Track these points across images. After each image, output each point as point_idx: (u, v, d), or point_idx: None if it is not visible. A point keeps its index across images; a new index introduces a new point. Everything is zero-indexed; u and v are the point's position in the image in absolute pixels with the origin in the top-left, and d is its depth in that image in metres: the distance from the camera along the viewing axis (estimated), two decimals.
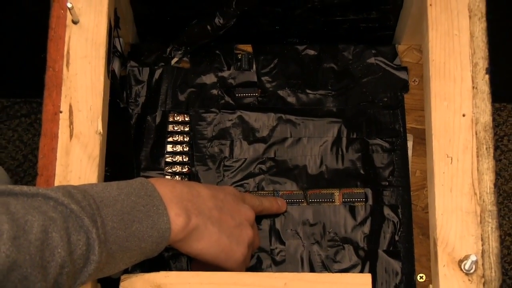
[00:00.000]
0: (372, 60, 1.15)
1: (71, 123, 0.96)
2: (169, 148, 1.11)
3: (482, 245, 0.92)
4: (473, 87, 0.98)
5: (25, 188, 0.81)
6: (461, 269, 0.91)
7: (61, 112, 0.96)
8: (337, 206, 1.08)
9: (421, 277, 1.05)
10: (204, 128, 1.12)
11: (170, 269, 1.06)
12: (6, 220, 0.75)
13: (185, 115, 1.13)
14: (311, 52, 1.16)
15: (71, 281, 0.81)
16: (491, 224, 0.93)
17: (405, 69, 1.14)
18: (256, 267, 1.06)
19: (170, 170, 1.10)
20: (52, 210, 0.80)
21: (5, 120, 1.73)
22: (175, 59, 1.15)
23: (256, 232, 1.03)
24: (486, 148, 0.96)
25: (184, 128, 1.12)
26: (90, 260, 0.81)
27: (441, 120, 0.96)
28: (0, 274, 0.74)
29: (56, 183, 0.93)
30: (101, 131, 0.96)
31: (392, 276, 1.05)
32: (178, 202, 0.91)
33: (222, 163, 1.10)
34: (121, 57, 1.11)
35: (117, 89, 1.08)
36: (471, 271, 0.91)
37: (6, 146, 1.72)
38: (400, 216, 1.07)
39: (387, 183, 1.09)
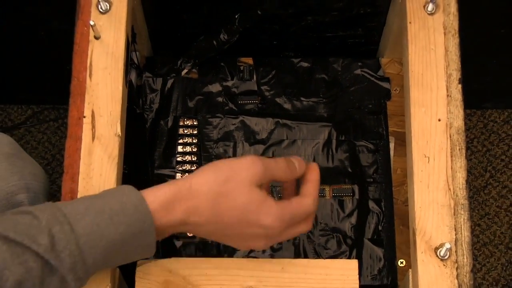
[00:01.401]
0: (358, 71, 1.14)
1: (93, 126, 0.95)
2: (179, 149, 1.11)
3: (456, 235, 0.92)
4: (448, 95, 0.97)
5: (14, 234, 0.75)
6: (437, 256, 0.91)
7: (84, 117, 0.96)
8: (328, 200, 1.08)
9: (401, 263, 1.05)
10: (211, 131, 1.12)
11: (181, 256, 1.05)
12: None
13: (194, 120, 1.12)
14: (305, 64, 1.15)
15: None
16: (463, 216, 0.93)
17: (387, 79, 1.14)
18: (256, 254, 1.05)
19: (180, 168, 1.10)
20: (32, 261, 0.74)
21: (36, 124, 1.72)
22: (185, 70, 1.15)
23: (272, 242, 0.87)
24: (459, 149, 0.95)
25: (193, 131, 1.12)
26: None
27: (419, 124, 0.96)
28: None
29: (80, 180, 0.93)
30: (120, 133, 0.95)
31: (376, 261, 1.05)
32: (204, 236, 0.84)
33: None
34: (137, 69, 1.11)
35: (133, 97, 1.08)
36: (446, 257, 0.90)
37: (36, 147, 1.72)
38: (383, 208, 1.07)
39: (371, 180, 1.09)
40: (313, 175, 0.87)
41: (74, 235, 0.76)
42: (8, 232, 0.74)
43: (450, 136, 0.96)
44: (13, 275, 0.73)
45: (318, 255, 1.06)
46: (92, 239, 0.77)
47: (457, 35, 1.00)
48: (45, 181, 1.10)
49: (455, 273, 0.90)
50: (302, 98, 1.13)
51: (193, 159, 1.10)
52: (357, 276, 0.90)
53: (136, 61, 1.09)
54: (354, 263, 0.91)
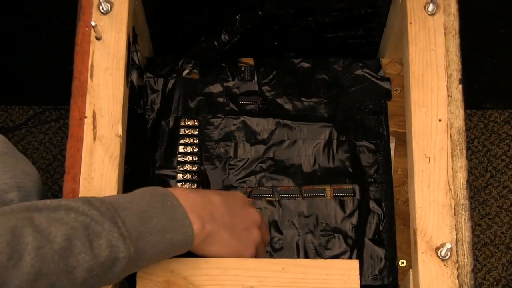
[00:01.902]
0: (359, 72, 1.14)
1: (94, 127, 0.95)
2: (180, 149, 1.11)
3: (456, 234, 0.92)
4: (448, 96, 0.97)
5: (48, 202, 0.79)
6: (438, 256, 0.91)
7: (85, 117, 0.96)
8: (329, 200, 1.08)
9: (402, 263, 1.05)
10: (212, 131, 1.12)
11: (182, 256, 1.05)
12: (30, 232, 0.73)
13: (195, 120, 1.12)
14: (306, 64, 1.15)
15: (103, 281, 0.79)
16: (464, 216, 0.93)
17: (388, 79, 1.14)
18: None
19: (181, 169, 1.10)
20: (74, 220, 0.77)
21: (37, 125, 1.72)
22: (186, 71, 1.15)
23: (266, 231, 1.01)
24: (460, 149, 0.95)
25: (194, 132, 1.12)
26: (118, 258, 0.78)
27: (420, 124, 0.96)
28: (27, 283, 0.72)
29: (81, 180, 0.93)
30: (121, 134, 0.96)
31: (376, 261, 1.05)
32: (192, 210, 0.87)
33: (228, 162, 1.10)
34: (139, 69, 1.11)
35: (135, 97, 1.08)
36: (447, 257, 0.90)
37: (38, 147, 1.72)
38: (384, 208, 1.07)
39: (372, 180, 1.09)
40: None
41: (108, 202, 0.82)
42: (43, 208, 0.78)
43: (450, 136, 0.96)
44: (60, 231, 0.75)
45: (319, 255, 1.06)
46: (122, 203, 0.83)
47: (457, 35, 1.00)
48: (38, 181, 1.10)
49: (456, 273, 0.90)
50: (303, 99, 1.13)
51: (194, 159, 1.10)
52: (358, 276, 0.90)
53: (137, 62, 1.09)
54: (355, 263, 0.91)
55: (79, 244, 0.76)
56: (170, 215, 0.85)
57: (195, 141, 1.11)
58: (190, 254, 0.90)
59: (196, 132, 1.12)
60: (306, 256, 1.06)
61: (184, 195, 0.88)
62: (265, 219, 1.07)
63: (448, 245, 0.90)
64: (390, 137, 1.11)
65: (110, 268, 0.78)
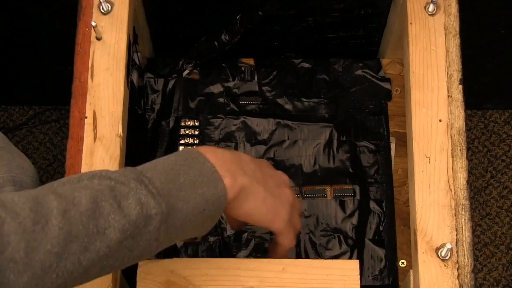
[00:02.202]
0: (359, 72, 1.14)
1: (95, 127, 0.95)
2: (181, 149, 1.11)
3: (457, 235, 0.92)
4: (449, 96, 0.97)
5: (70, 177, 0.77)
6: (438, 256, 0.91)
7: (86, 117, 0.96)
8: (329, 200, 1.08)
9: (402, 263, 1.05)
10: (212, 131, 1.12)
11: (183, 257, 1.05)
12: (54, 198, 0.72)
13: (195, 120, 1.12)
14: (306, 65, 1.15)
15: (143, 243, 0.76)
16: (464, 216, 0.93)
17: (388, 80, 1.14)
18: (257, 254, 1.05)
19: None
20: (98, 185, 0.75)
21: (38, 125, 1.73)
22: (187, 71, 1.15)
23: (295, 196, 0.95)
24: (460, 150, 0.95)
25: (194, 132, 1.12)
26: (150, 215, 0.76)
27: (420, 125, 0.96)
28: (58, 246, 0.70)
29: None
30: (121, 134, 0.96)
31: (377, 262, 1.05)
32: (222, 164, 0.84)
33: None
34: (139, 70, 1.11)
35: (135, 98, 1.08)
36: (447, 257, 0.90)
37: (38, 147, 1.72)
38: (384, 209, 1.07)
39: (372, 180, 1.09)
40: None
41: (130, 169, 0.80)
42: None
43: (451, 137, 0.96)
44: (85, 195, 0.73)
45: (319, 256, 1.06)
46: (147, 166, 0.81)
47: (457, 35, 1.00)
48: (34, 175, 1.10)
49: (456, 273, 0.90)
50: (303, 99, 1.13)
51: None
52: (358, 276, 0.90)
53: (137, 62, 1.09)
54: (355, 264, 0.91)
55: (106, 205, 0.74)
56: (199, 170, 0.82)
57: (195, 142, 1.11)
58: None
59: (197, 133, 1.12)
60: (307, 256, 1.06)
61: (211, 151, 0.85)
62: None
63: (449, 246, 0.90)
64: (391, 138, 1.11)
65: (144, 227, 0.75)
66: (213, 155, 0.84)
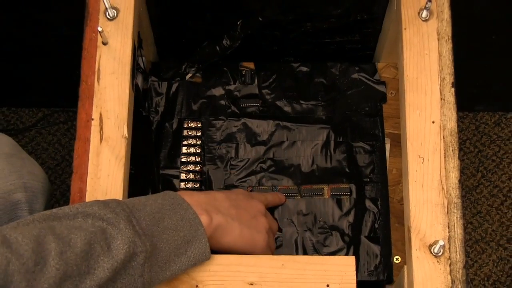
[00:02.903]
0: (355, 75, 1.14)
1: (101, 129, 0.95)
2: (184, 150, 1.11)
3: (449, 232, 0.92)
4: (441, 98, 0.97)
5: (66, 210, 0.80)
6: (431, 252, 0.91)
7: (92, 119, 0.96)
8: (326, 199, 1.08)
9: (397, 259, 1.05)
10: (214, 133, 1.12)
11: None
12: (52, 240, 0.75)
13: (198, 122, 1.12)
14: (304, 68, 1.15)
15: (127, 277, 0.80)
16: (456, 214, 0.93)
17: (383, 83, 1.14)
18: None
19: (185, 169, 1.10)
20: (91, 226, 0.79)
21: (46, 126, 1.72)
22: (189, 75, 1.15)
23: (271, 219, 1.02)
24: (452, 150, 0.95)
25: (196, 133, 1.12)
26: (136, 253, 0.80)
27: (414, 126, 0.96)
28: (54, 285, 0.74)
29: (88, 180, 0.93)
30: (127, 135, 0.95)
31: (372, 258, 1.05)
32: (198, 205, 0.89)
33: (229, 163, 1.10)
34: (144, 73, 1.11)
35: (140, 100, 1.08)
36: (440, 254, 0.90)
37: (47, 148, 1.72)
38: (379, 207, 1.07)
39: (368, 180, 1.09)
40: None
41: (123, 203, 0.83)
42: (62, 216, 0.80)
43: (443, 138, 0.96)
44: (80, 237, 0.77)
45: (317, 252, 1.05)
46: (137, 205, 0.84)
47: (450, 40, 1.00)
48: (44, 181, 1.10)
49: (448, 269, 0.90)
50: (302, 101, 1.13)
51: (197, 159, 1.10)
52: (354, 272, 0.90)
53: (142, 66, 1.09)
54: (351, 260, 0.91)
55: (98, 248, 0.78)
56: (182, 216, 0.86)
57: (198, 142, 1.11)
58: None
59: (199, 134, 1.12)
60: (305, 253, 1.06)
61: (189, 195, 0.90)
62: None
63: (441, 242, 0.90)
64: (386, 138, 1.11)
65: (129, 262, 0.79)
66: (190, 197, 0.89)
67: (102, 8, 0.99)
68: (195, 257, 0.87)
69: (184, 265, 0.87)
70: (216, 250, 0.92)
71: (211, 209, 0.91)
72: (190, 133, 1.12)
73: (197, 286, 0.89)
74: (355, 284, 0.90)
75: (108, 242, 0.78)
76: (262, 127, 1.12)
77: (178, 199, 0.88)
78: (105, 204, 0.82)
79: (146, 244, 0.81)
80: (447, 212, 0.93)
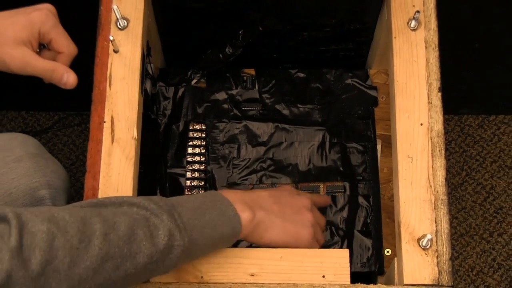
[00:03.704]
0: (349, 81, 1.14)
1: (112, 130, 0.95)
2: (189, 150, 1.11)
3: (436, 226, 0.92)
4: (429, 102, 0.97)
5: (113, 199, 0.80)
6: (419, 245, 0.90)
7: (104, 122, 0.96)
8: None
9: (387, 252, 1.04)
10: (217, 134, 1.11)
11: None
12: (98, 221, 0.74)
13: (202, 124, 1.12)
14: (301, 75, 1.15)
15: (163, 267, 0.79)
16: (443, 210, 0.93)
17: (375, 88, 1.14)
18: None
19: (190, 168, 1.09)
20: (136, 213, 0.78)
21: (62, 129, 1.72)
22: (195, 80, 1.15)
23: (318, 214, 0.98)
24: (439, 150, 0.95)
25: (201, 135, 1.11)
26: (174, 246, 0.79)
27: (404, 128, 0.96)
28: (96, 263, 0.73)
29: (101, 178, 0.93)
30: (136, 137, 0.95)
31: (365, 251, 1.05)
32: (241, 202, 0.87)
33: (231, 162, 1.10)
34: (152, 79, 1.10)
35: (148, 104, 1.08)
36: (427, 247, 0.90)
37: (62, 148, 1.72)
38: (371, 203, 1.07)
39: (361, 178, 1.08)
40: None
41: (165, 199, 0.82)
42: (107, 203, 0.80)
43: (431, 139, 0.96)
44: (124, 222, 0.76)
45: None
46: (179, 201, 0.83)
47: (437, 48, 0.99)
48: (66, 179, 1.10)
49: (435, 261, 0.90)
50: (299, 105, 1.13)
51: (202, 159, 1.10)
52: (348, 264, 0.90)
53: (150, 72, 1.09)
54: (345, 252, 0.91)
55: (141, 233, 0.76)
56: (222, 211, 0.85)
57: (202, 143, 1.11)
58: (251, 245, 0.92)
59: (203, 135, 1.11)
60: None
61: (233, 193, 0.89)
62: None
63: (429, 236, 0.89)
64: (377, 140, 1.11)
65: (167, 255, 0.79)
66: (235, 195, 0.88)
67: (113, 19, 0.99)
68: (219, 248, 0.88)
69: (206, 255, 0.87)
70: (259, 244, 0.91)
71: (254, 205, 0.89)
72: (195, 134, 1.11)
73: (202, 277, 0.89)
74: (349, 275, 0.90)
75: (151, 230, 0.77)
76: (262, 129, 1.12)
77: (219, 196, 0.86)
78: (150, 198, 0.81)
79: (184, 239, 0.79)
80: (434, 208, 0.92)
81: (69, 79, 0.93)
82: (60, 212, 0.74)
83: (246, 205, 0.88)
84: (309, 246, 0.94)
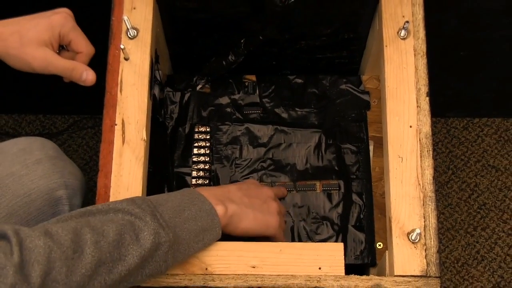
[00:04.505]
0: (343, 86, 1.14)
1: (123, 132, 0.95)
2: (195, 151, 1.10)
3: (424, 222, 0.91)
4: (417, 106, 0.97)
5: (99, 207, 0.81)
6: (409, 239, 0.90)
7: (116, 124, 0.96)
8: (318, 193, 1.07)
9: (379, 245, 1.04)
10: (221, 136, 1.11)
11: None
12: (88, 231, 0.75)
13: (207, 127, 1.12)
14: (299, 80, 1.15)
15: (154, 264, 0.80)
16: (431, 206, 0.92)
17: (367, 93, 1.13)
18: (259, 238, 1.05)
19: (196, 167, 1.09)
20: (121, 219, 0.79)
21: (77, 131, 1.72)
22: (200, 86, 1.14)
23: (279, 203, 1.01)
24: (427, 151, 0.95)
25: (206, 136, 1.11)
26: (161, 243, 0.80)
27: (394, 130, 0.96)
28: (90, 270, 0.74)
29: (112, 177, 0.93)
30: (145, 138, 0.95)
31: (358, 244, 1.04)
32: (214, 197, 0.89)
33: (234, 162, 1.10)
34: (160, 85, 1.10)
35: (157, 108, 1.08)
36: (416, 240, 0.90)
37: (77, 149, 1.72)
38: (364, 200, 1.07)
39: (354, 176, 1.08)
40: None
41: (148, 199, 0.84)
42: (95, 211, 0.81)
43: (419, 140, 0.95)
44: (111, 228, 0.77)
45: (310, 239, 1.05)
46: (160, 201, 0.84)
47: (425, 56, 0.99)
48: (82, 180, 1.10)
49: (424, 253, 0.90)
50: (297, 109, 1.13)
51: (206, 159, 1.10)
52: (343, 256, 0.90)
53: (159, 78, 1.09)
54: (340, 246, 0.91)
55: (127, 237, 0.78)
56: (199, 207, 0.86)
57: (207, 144, 1.11)
58: (231, 238, 0.91)
59: (208, 137, 1.11)
60: (300, 240, 1.05)
61: (205, 189, 0.91)
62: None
63: (418, 231, 0.89)
64: (369, 141, 1.11)
65: (155, 251, 0.79)
66: (207, 191, 0.90)
67: (124, 29, 0.99)
68: (209, 243, 0.88)
69: (200, 249, 0.87)
70: (234, 235, 0.92)
71: (226, 200, 0.90)
72: (200, 136, 1.11)
73: (206, 268, 0.89)
74: (343, 267, 0.89)
75: (137, 233, 0.78)
76: (263, 131, 1.11)
77: (196, 194, 0.88)
78: (133, 201, 0.82)
79: (169, 235, 0.81)
80: (423, 205, 0.92)
81: (88, 76, 0.94)
82: (53, 226, 0.75)
83: (218, 200, 0.89)
84: (276, 232, 0.96)
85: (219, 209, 0.88)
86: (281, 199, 1.07)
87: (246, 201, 0.93)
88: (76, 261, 0.73)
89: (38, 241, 0.71)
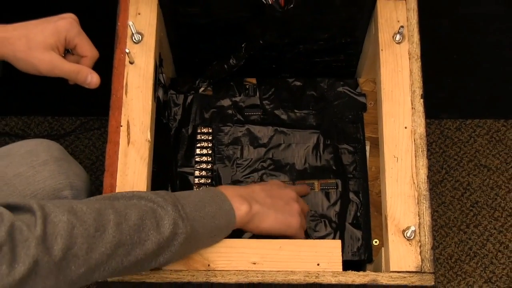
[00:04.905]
0: (340, 89, 1.14)
1: (128, 133, 0.95)
2: (197, 151, 1.10)
3: (419, 219, 0.91)
4: (412, 108, 0.97)
5: (124, 193, 0.82)
6: (404, 236, 0.90)
7: (121, 126, 0.95)
8: (317, 192, 1.07)
9: (375, 242, 1.04)
10: (222, 137, 1.11)
11: None
12: (111, 212, 0.76)
13: (209, 128, 1.12)
14: (298, 83, 1.15)
15: (168, 253, 0.81)
16: (425, 204, 0.92)
17: (364, 95, 1.13)
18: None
19: (198, 167, 1.09)
20: (144, 205, 0.79)
21: (83, 132, 1.72)
22: (202, 89, 1.14)
23: (302, 203, 1.01)
24: (421, 151, 0.95)
25: (208, 137, 1.11)
26: (178, 234, 0.80)
27: (390, 131, 0.96)
28: (110, 250, 0.74)
29: (118, 176, 0.93)
30: (150, 139, 0.95)
31: (355, 241, 1.04)
32: (240, 196, 0.89)
33: (235, 162, 1.09)
34: (164, 87, 1.10)
35: (161, 110, 1.08)
36: (411, 237, 0.90)
37: (84, 150, 1.71)
38: (361, 198, 1.06)
39: (351, 176, 1.08)
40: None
41: (171, 193, 0.84)
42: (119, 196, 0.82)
43: (414, 141, 0.95)
44: (134, 213, 0.78)
45: (309, 236, 1.05)
46: (182, 195, 0.85)
47: (419, 59, 0.99)
48: (87, 181, 1.10)
49: (418, 250, 0.90)
50: (296, 110, 1.13)
51: (209, 159, 1.10)
52: (340, 253, 0.90)
53: (162, 81, 1.08)
54: (337, 243, 0.91)
55: (148, 223, 0.78)
56: (219, 206, 0.86)
57: (209, 145, 1.11)
58: (253, 236, 0.92)
59: (210, 138, 1.11)
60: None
61: (231, 189, 0.91)
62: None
63: (413, 228, 0.89)
64: (366, 141, 1.10)
65: (172, 241, 0.80)
66: (232, 190, 0.90)
67: (129, 34, 0.99)
68: (218, 241, 0.89)
69: (208, 246, 0.88)
70: (256, 233, 0.92)
71: (250, 199, 0.90)
72: (202, 137, 1.11)
73: (209, 265, 0.88)
74: (341, 263, 0.89)
75: (157, 220, 0.79)
76: (263, 132, 1.11)
77: (218, 193, 0.88)
78: (156, 192, 0.83)
79: (187, 227, 0.81)
80: (417, 203, 0.92)
81: (92, 79, 0.94)
82: (78, 204, 0.75)
83: (244, 199, 0.89)
84: (297, 232, 0.95)
85: (243, 208, 0.88)
86: (303, 196, 1.06)
87: (268, 202, 0.93)
88: (97, 239, 0.73)
89: (62, 216, 0.72)
